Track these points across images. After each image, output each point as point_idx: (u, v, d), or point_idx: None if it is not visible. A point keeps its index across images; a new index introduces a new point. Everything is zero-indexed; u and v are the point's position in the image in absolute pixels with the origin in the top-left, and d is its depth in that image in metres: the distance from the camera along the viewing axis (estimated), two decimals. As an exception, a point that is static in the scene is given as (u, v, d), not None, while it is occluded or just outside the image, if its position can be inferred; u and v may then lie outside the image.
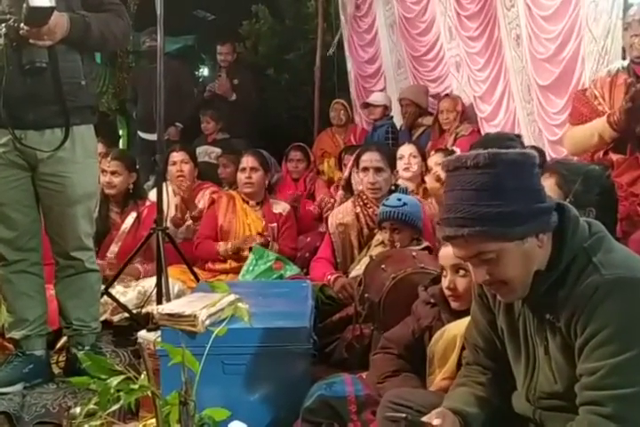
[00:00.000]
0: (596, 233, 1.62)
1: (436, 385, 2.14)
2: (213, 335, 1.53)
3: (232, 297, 2.33)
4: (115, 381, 1.36)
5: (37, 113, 2.63)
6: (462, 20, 5.26)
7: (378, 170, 3.55)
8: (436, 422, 1.65)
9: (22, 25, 2.46)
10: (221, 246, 3.88)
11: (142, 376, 1.42)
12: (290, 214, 4.05)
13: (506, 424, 1.76)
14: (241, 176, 4.03)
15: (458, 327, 2.09)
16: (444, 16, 5.55)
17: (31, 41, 2.49)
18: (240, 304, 1.61)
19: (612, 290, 1.51)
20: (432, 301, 2.36)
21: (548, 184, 2.51)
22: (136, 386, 1.34)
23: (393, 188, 3.61)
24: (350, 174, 4.18)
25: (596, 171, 2.56)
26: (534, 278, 1.59)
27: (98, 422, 1.43)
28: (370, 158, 3.59)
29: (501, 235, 1.53)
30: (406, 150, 4.29)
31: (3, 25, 2.49)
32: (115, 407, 1.38)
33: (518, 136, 3.76)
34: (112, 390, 1.34)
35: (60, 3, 2.52)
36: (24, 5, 2.39)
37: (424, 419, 1.70)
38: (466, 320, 1.95)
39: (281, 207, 4.06)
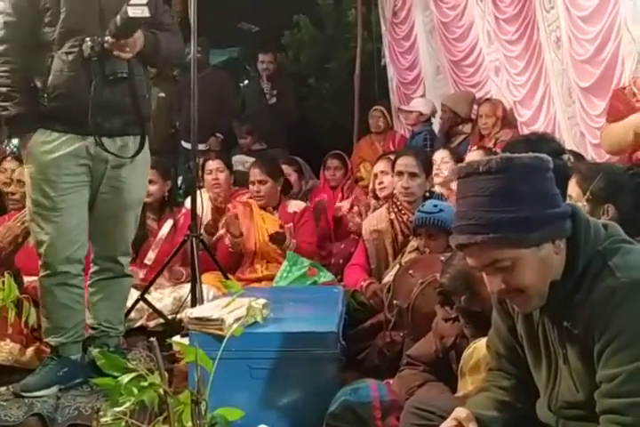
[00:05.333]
0: (612, 235, 1.56)
1: (465, 391, 2.09)
2: (228, 335, 1.52)
3: (261, 301, 2.34)
4: (126, 378, 1.36)
5: (113, 121, 2.74)
6: (500, 24, 5.18)
7: (412, 175, 3.51)
8: None
9: (107, 38, 2.61)
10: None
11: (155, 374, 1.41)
12: (304, 211, 4.07)
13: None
14: (252, 189, 4.09)
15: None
16: (483, 20, 5.49)
17: (115, 53, 2.63)
18: (254, 304, 1.60)
19: (628, 294, 1.45)
20: (452, 316, 2.26)
21: (570, 184, 2.45)
22: (146, 383, 1.34)
23: (427, 194, 3.57)
24: (374, 186, 4.16)
25: (615, 168, 2.49)
26: (550, 287, 1.54)
27: (111, 419, 1.44)
28: (405, 163, 3.55)
29: (517, 241, 1.48)
30: (438, 156, 4.27)
31: (88, 39, 2.63)
32: (126, 405, 1.37)
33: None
34: (122, 388, 1.34)
35: None
36: (118, 17, 2.54)
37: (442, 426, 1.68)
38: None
39: (295, 206, 4.10)
